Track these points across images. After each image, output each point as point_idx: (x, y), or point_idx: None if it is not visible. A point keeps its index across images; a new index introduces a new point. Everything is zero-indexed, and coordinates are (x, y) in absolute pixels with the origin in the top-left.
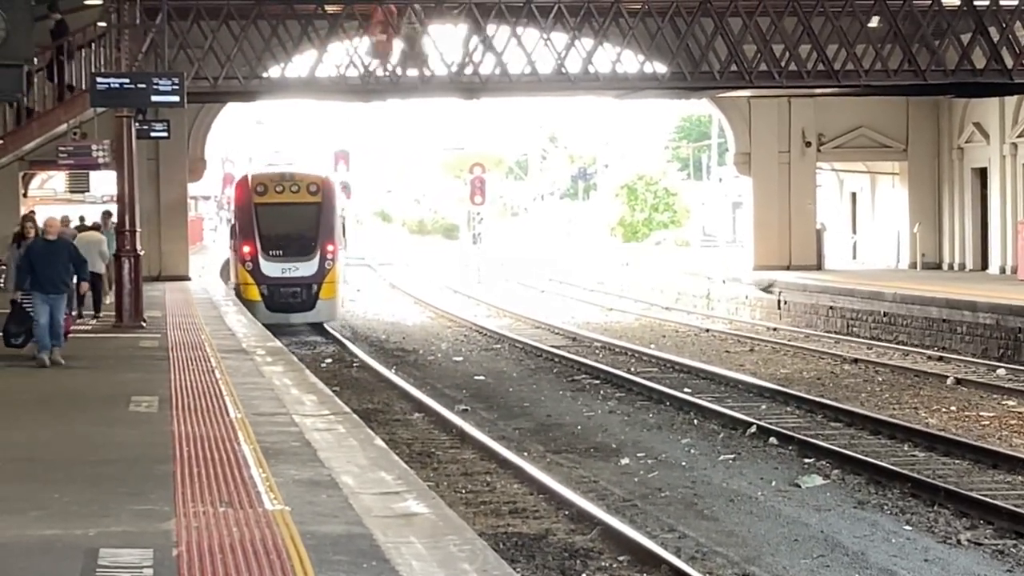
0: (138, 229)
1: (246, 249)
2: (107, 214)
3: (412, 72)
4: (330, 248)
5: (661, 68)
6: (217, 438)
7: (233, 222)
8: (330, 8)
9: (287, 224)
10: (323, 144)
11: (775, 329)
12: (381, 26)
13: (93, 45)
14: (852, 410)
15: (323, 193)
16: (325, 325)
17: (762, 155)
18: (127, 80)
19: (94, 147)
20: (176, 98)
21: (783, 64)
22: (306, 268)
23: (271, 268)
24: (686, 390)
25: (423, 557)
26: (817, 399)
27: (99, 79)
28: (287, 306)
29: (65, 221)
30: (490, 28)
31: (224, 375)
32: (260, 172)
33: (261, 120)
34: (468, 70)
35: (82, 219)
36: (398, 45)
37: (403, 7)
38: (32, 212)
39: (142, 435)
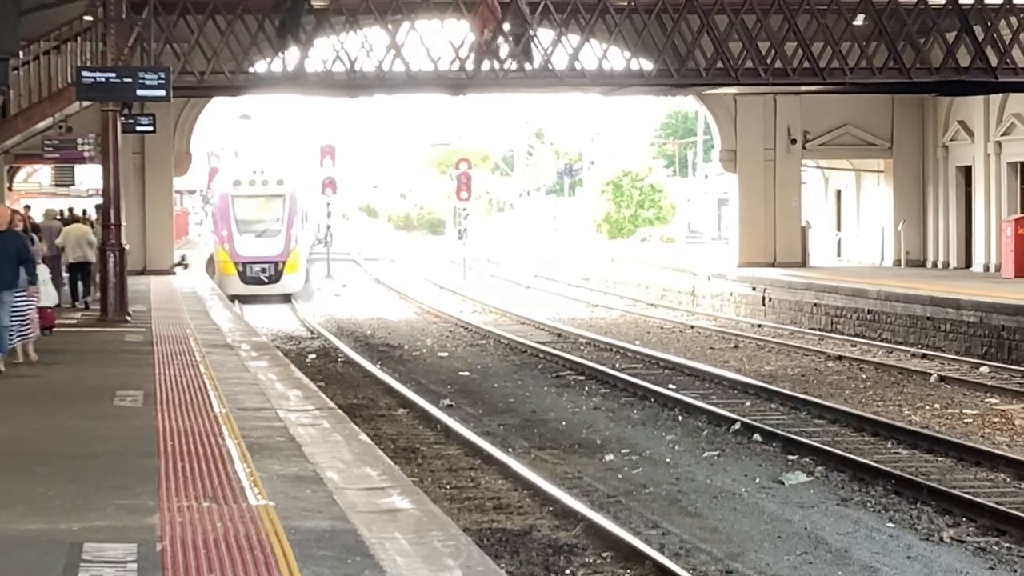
0: (123, 223)
1: (224, 232)
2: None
3: (399, 67)
4: (293, 232)
5: (647, 65)
6: (202, 433)
7: (214, 210)
8: (317, 3)
9: (257, 212)
10: (309, 138)
11: (760, 326)
12: (486, 20)
13: (79, 39)
14: (836, 407)
15: (287, 186)
16: (310, 320)
17: (747, 152)
18: (113, 74)
19: (80, 141)
20: (162, 92)
21: (769, 61)
22: (273, 247)
23: (244, 247)
24: (671, 386)
25: (407, 553)
26: (801, 396)
27: (85, 73)
28: (257, 280)
29: (51, 214)
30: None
31: (209, 370)
32: (233, 169)
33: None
34: (455, 66)
35: (71, 210)
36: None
37: (508, 3)
38: (22, 207)
39: (127, 429)
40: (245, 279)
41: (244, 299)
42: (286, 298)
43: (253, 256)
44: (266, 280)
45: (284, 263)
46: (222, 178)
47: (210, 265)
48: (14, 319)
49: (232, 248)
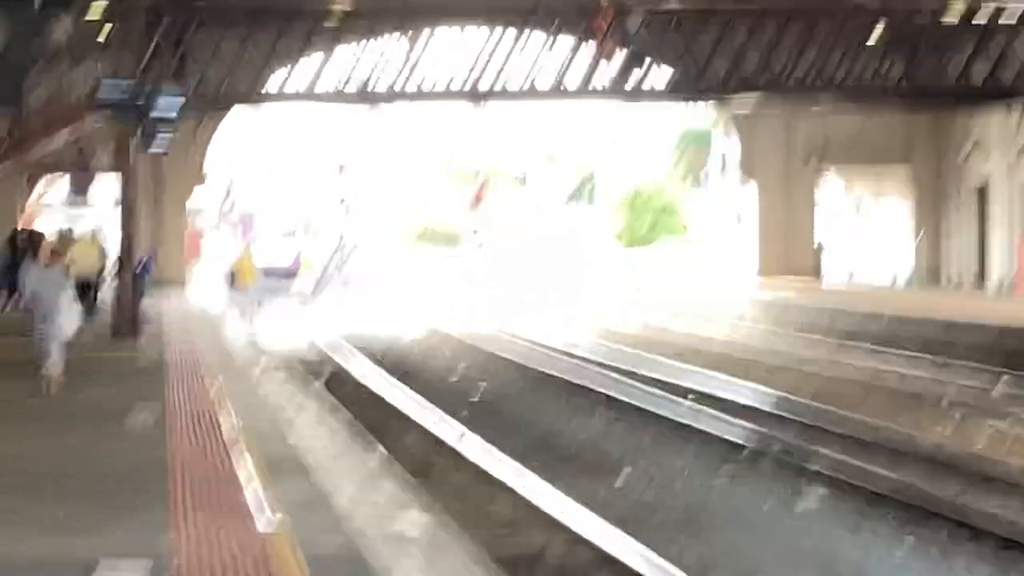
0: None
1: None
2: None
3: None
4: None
5: (666, 74)
6: (214, 452)
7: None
8: (336, 7)
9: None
10: (323, 155)
11: (774, 345)
12: (605, 32)
13: (96, 54)
14: (850, 428)
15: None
16: (323, 340)
17: (764, 166)
18: (129, 89)
19: (95, 157)
20: (178, 107)
21: (786, 76)
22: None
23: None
24: (685, 405)
25: (421, 574)
26: (815, 417)
27: (101, 89)
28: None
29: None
30: (496, 31)
31: (221, 389)
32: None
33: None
34: (474, 75)
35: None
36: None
37: (625, 11)
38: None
39: (139, 449)
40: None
41: (260, 303)
42: (298, 302)
43: (269, 264)
44: (280, 285)
45: (297, 270)
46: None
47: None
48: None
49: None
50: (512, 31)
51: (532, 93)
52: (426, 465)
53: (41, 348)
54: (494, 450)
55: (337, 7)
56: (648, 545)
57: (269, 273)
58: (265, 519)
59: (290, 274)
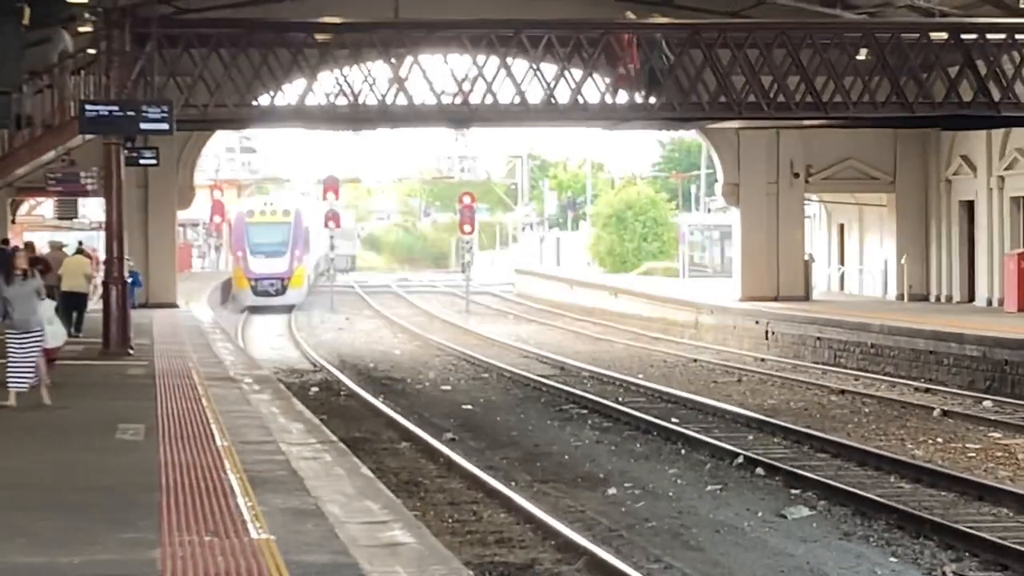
0: (126, 257)
1: (239, 253)
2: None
3: (401, 101)
4: (297, 252)
5: (650, 99)
6: (203, 466)
7: (231, 236)
8: (320, 37)
9: (267, 235)
10: (312, 169)
11: (762, 360)
12: (626, 56)
13: (83, 72)
14: (839, 441)
15: (293, 216)
16: (313, 352)
17: (750, 186)
18: (116, 107)
19: (83, 174)
20: (165, 126)
21: (772, 96)
22: (279, 265)
23: (256, 265)
24: (673, 420)
25: None
26: (804, 430)
27: (88, 106)
28: (266, 293)
29: (56, 245)
30: (479, 58)
31: (211, 403)
32: (249, 202)
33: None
34: (458, 100)
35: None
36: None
37: (649, 37)
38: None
39: (128, 463)
40: (256, 292)
41: (254, 309)
42: (289, 309)
43: (263, 273)
44: (274, 293)
45: (289, 279)
46: (238, 208)
47: (213, 296)
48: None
49: (246, 266)
50: (495, 59)
51: (507, 116)
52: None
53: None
54: None
55: (320, 36)
56: None
57: (263, 280)
58: (255, 531)
59: (282, 282)
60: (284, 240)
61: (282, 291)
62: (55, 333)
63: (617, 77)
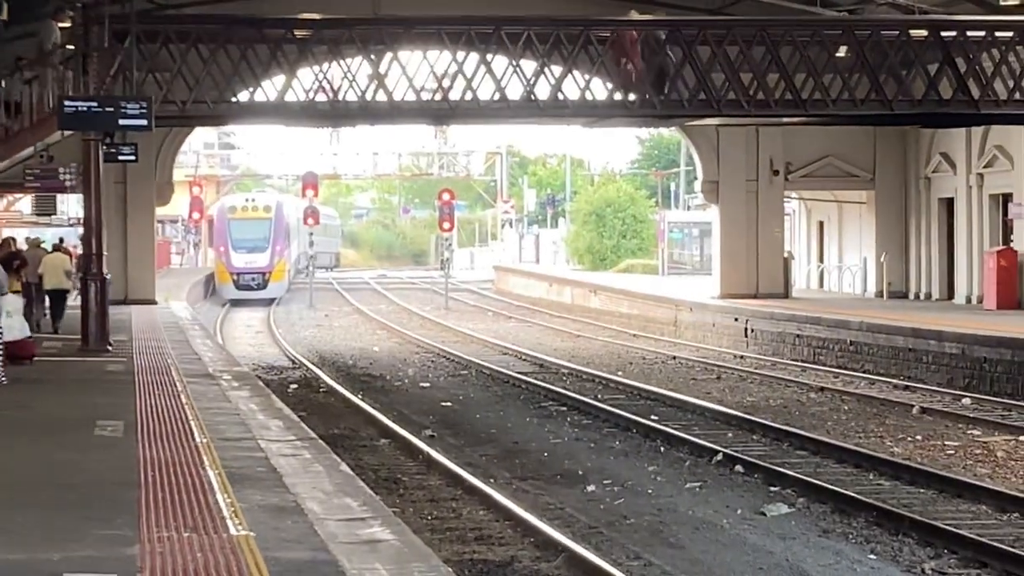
0: (104, 252)
1: (222, 248)
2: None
3: (381, 98)
4: (278, 247)
5: (630, 96)
6: (182, 463)
7: (214, 231)
8: (299, 33)
9: (249, 231)
10: (291, 166)
11: (742, 357)
12: (628, 52)
13: (61, 67)
14: (818, 438)
15: (274, 211)
16: (292, 349)
17: (730, 183)
18: (95, 103)
19: (61, 170)
20: (144, 122)
21: (751, 93)
22: (261, 260)
23: (238, 260)
24: (653, 417)
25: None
26: (783, 427)
27: (67, 102)
28: (248, 287)
29: (34, 242)
30: (459, 55)
31: (190, 400)
32: (231, 198)
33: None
34: (438, 96)
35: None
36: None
37: (649, 34)
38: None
39: (107, 460)
40: (238, 286)
41: (237, 302)
42: (270, 302)
43: (245, 267)
44: (255, 287)
45: (270, 273)
46: (219, 207)
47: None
48: None
49: (228, 261)
50: (474, 55)
51: (487, 112)
52: None
53: None
54: None
55: (299, 32)
56: None
57: (244, 274)
58: (234, 528)
59: (264, 276)
60: (265, 235)
61: (263, 285)
62: (11, 327)
63: (624, 75)
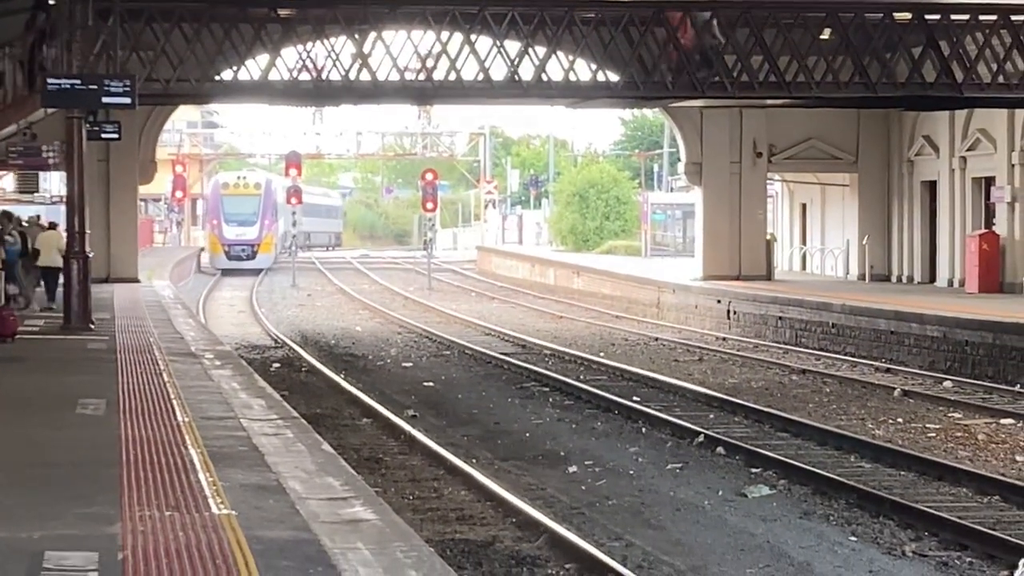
0: (87, 231)
1: (214, 221)
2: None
3: (365, 77)
4: (267, 222)
5: (614, 77)
6: (164, 442)
7: (207, 206)
8: (283, 12)
9: (240, 206)
10: (274, 144)
11: (724, 339)
12: (680, 35)
13: (44, 45)
14: (800, 420)
15: (263, 188)
16: (275, 329)
17: (713, 165)
18: (78, 81)
19: (44, 148)
20: (127, 100)
21: (735, 75)
22: (250, 233)
23: (229, 232)
24: (635, 398)
25: (369, 563)
26: (765, 409)
27: (50, 79)
28: (238, 257)
29: (34, 220)
30: (443, 35)
31: (172, 378)
32: (224, 175)
33: (213, 121)
34: (421, 76)
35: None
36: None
37: (700, 18)
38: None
39: (89, 438)
40: (229, 257)
41: (228, 271)
42: (258, 272)
43: (236, 239)
44: (245, 258)
45: (259, 245)
46: (213, 183)
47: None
48: None
49: (220, 233)
50: (458, 36)
51: (470, 93)
52: None
53: None
54: None
55: (283, 11)
56: None
57: (235, 246)
58: (216, 507)
59: (253, 248)
60: (255, 211)
61: (252, 256)
62: None
63: (673, 55)
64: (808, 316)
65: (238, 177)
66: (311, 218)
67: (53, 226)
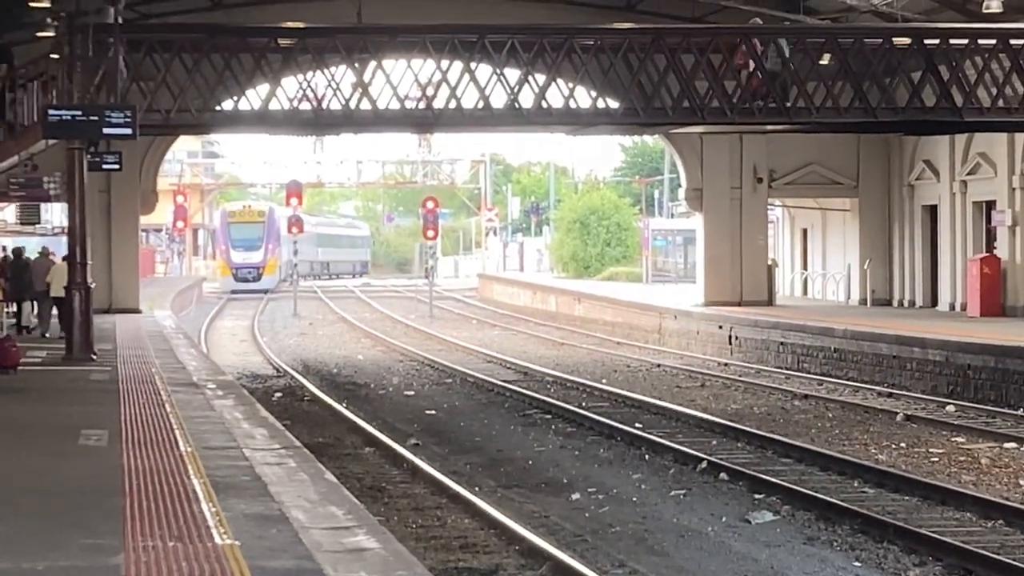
0: (89, 261)
1: (223, 247)
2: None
3: (365, 106)
4: (271, 246)
5: (614, 104)
6: (167, 472)
7: (215, 233)
8: (283, 42)
9: (245, 232)
10: (276, 174)
11: (726, 365)
12: (745, 59)
13: (45, 77)
14: (802, 446)
15: (267, 216)
16: (277, 358)
17: (714, 191)
18: (79, 112)
19: (45, 179)
20: (128, 130)
21: (735, 101)
22: (255, 257)
23: (236, 257)
24: (637, 425)
25: None
26: (768, 435)
27: (51, 111)
28: (245, 279)
29: (45, 252)
30: (443, 63)
31: (174, 408)
32: (231, 205)
33: (214, 151)
34: (422, 104)
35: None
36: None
37: (766, 41)
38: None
39: (92, 468)
40: (236, 279)
41: (236, 292)
42: (263, 292)
43: (242, 263)
44: (251, 279)
45: (263, 268)
46: (221, 212)
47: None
48: None
49: (228, 258)
50: (458, 64)
51: (471, 120)
52: None
53: None
54: None
55: (283, 41)
56: None
57: (242, 269)
58: (219, 537)
59: (258, 270)
60: (260, 236)
61: (258, 278)
62: None
63: (744, 80)
64: (810, 341)
65: (243, 205)
66: (335, 248)
67: (45, 254)
